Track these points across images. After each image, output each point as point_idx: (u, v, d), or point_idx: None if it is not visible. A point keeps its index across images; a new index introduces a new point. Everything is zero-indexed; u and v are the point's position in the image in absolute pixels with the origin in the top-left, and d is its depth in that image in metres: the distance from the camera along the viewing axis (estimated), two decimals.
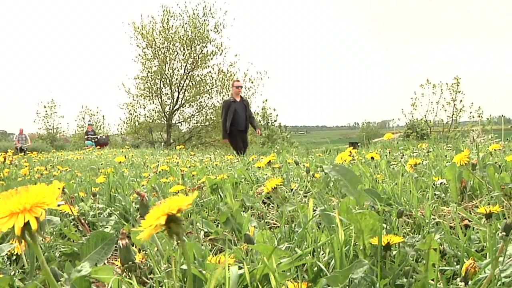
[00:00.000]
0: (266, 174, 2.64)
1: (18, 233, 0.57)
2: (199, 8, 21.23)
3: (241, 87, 8.88)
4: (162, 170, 3.21)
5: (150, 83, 21.97)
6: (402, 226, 1.24)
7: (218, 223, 1.58)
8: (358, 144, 8.11)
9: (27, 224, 0.58)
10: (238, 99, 8.66)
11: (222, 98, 22.23)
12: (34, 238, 0.61)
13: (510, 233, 0.78)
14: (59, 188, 0.64)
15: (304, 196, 1.87)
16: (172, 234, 0.69)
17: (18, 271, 1.20)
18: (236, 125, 8.52)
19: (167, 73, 21.75)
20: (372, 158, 2.13)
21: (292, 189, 1.96)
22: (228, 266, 0.78)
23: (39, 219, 0.59)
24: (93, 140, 18.42)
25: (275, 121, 27.60)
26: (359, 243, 0.92)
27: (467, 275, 0.83)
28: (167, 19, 21.17)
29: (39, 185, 0.63)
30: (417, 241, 1.00)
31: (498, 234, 0.79)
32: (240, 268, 0.83)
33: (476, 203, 1.56)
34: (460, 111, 18.24)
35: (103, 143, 18.29)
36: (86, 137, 18.96)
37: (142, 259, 1.11)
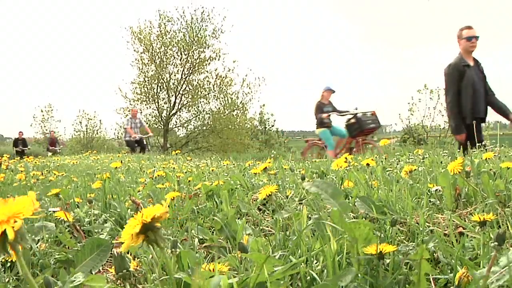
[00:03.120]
0: (262, 181, 2.65)
1: None
2: (197, 13, 21.32)
3: (477, 38, 4.60)
4: (158, 175, 3.21)
5: (147, 88, 21.96)
6: (396, 234, 1.24)
7: (214, 230, 1.58)
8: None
9: (4, 235, 0.59)
10: (471, 63, 4.60)
11: (220, 103, 22.27)
12: (16, 249, 0.62)
13: (503, 243, 0.79)
14: (35, 198, 0.64)
15: (299, 203, 1.87)
16: (150, 242, 0.70)
17: (12, 279, 1.19)
18: (476, 109, 4.51)
19: (164, 77, 21.76)
20: (368, 164, 2.13)
21: (287, 196, 1.96)
22: (219, 274, 0.78)
23: (17, 229, 0.60)
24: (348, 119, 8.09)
25: (273, 126, 27.79)
26: (352, 251, 0.93)
27: (460, 284, 0.84)
28: (164, 23, 21.23)
29: (18, 197, 0.64)
30: (411, 250, 1.00)
31: (490, 243, 0.79)
32: (234, 276, 0.83)
33: (471, 210, 1.56)
34: None
35: (366, 130, 7.86)
36: (321, 117, 8.02)
37: (137, 266, 1.11)
